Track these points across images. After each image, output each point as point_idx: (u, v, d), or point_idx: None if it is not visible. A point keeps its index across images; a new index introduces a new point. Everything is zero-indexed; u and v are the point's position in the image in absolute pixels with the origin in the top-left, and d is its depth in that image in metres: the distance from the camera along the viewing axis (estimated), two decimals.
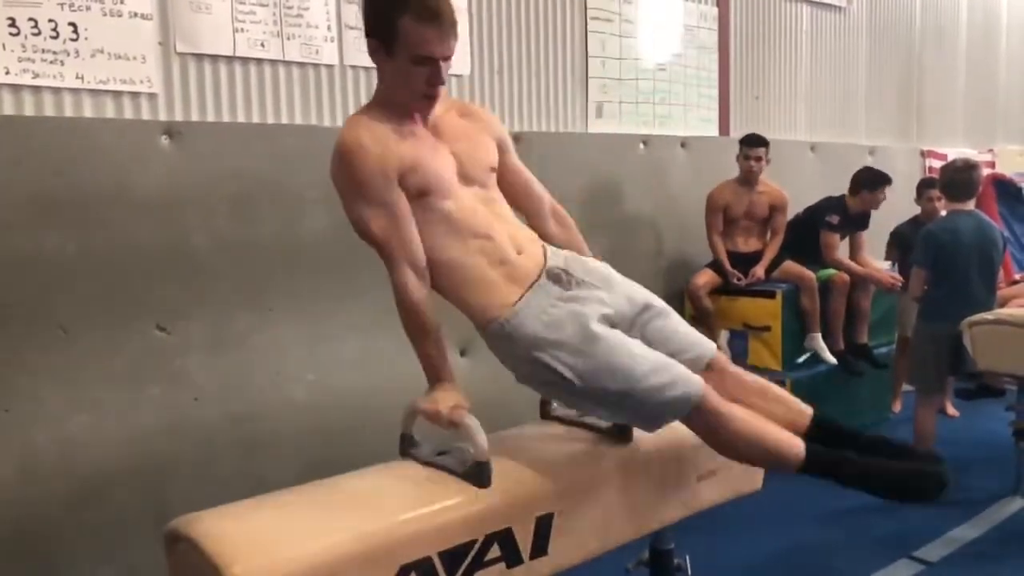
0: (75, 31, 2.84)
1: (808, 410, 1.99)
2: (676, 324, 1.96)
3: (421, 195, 1.82)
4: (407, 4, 1.72)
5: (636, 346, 1.81)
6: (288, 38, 3.35)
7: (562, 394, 1.87)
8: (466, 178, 1.89)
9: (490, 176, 1.95)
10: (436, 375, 1.82)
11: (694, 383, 1.79)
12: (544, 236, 2.03)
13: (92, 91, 2.91)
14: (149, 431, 2.99)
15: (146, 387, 3.00)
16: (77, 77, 2.86)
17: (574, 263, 1.92)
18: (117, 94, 2.97)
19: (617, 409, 1.83)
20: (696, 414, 1.79)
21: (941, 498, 1.90)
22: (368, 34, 1.81)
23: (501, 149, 2.01)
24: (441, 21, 1.75)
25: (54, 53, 2.81)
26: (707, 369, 1.92)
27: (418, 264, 1.80)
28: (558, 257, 1.93)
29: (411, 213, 1.81)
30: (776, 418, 1.92)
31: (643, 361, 1.77)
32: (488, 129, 2.00)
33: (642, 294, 1.95)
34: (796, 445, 1.85)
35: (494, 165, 1.97)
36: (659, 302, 1.96)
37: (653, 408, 1.78)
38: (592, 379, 1.76)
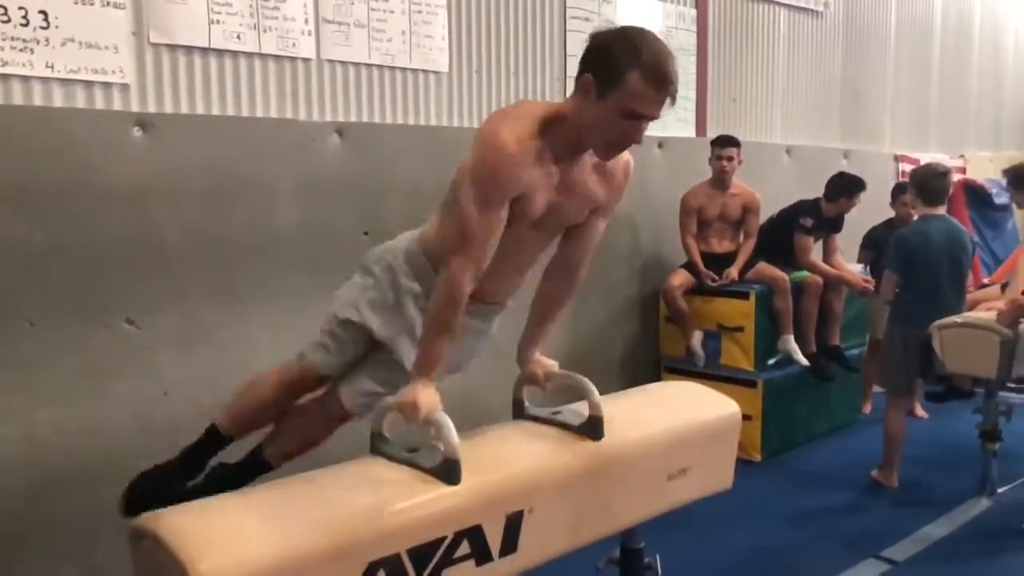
0: (46, 19, 2.80)
1: None
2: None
3: (508, 224, 1.85)
4: (641, 61, 1.71)
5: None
6: (265, 31, 3.32)
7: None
8: (539, 225, 1.94)
9: (552, 231, 2.03)
10: (427, 372, 1.84)
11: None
12: (546, 280, 2.13)
13: (63, 80, 2.87)
14: (117, 426, 2.95)
15: (114, 381, 2.96)
16: (47, 66, 2.82)
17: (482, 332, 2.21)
18: (88, 84, 2.92)
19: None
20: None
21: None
22: (587, 68, 1.78)
23: (597, 211, 2.03)
24: (668, 86, 1.75)
25: (24, 41, 2.76)
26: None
27: (479, 274, 1.85)
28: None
29: (500, 231, 1.84)
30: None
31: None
32: (609, 198, 2.01)
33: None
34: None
35: (570, 225, 2.03)
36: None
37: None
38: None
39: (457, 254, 1.82)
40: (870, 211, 5.17)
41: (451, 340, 1.86)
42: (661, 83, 1.73)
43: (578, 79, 1.79)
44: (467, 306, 1.89)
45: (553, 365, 2.12)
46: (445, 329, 1.85)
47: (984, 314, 3.87)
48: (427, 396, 1.80)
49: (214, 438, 2.34)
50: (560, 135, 1.82)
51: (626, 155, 1.97)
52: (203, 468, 2.33)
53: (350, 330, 2.17)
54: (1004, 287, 4.43)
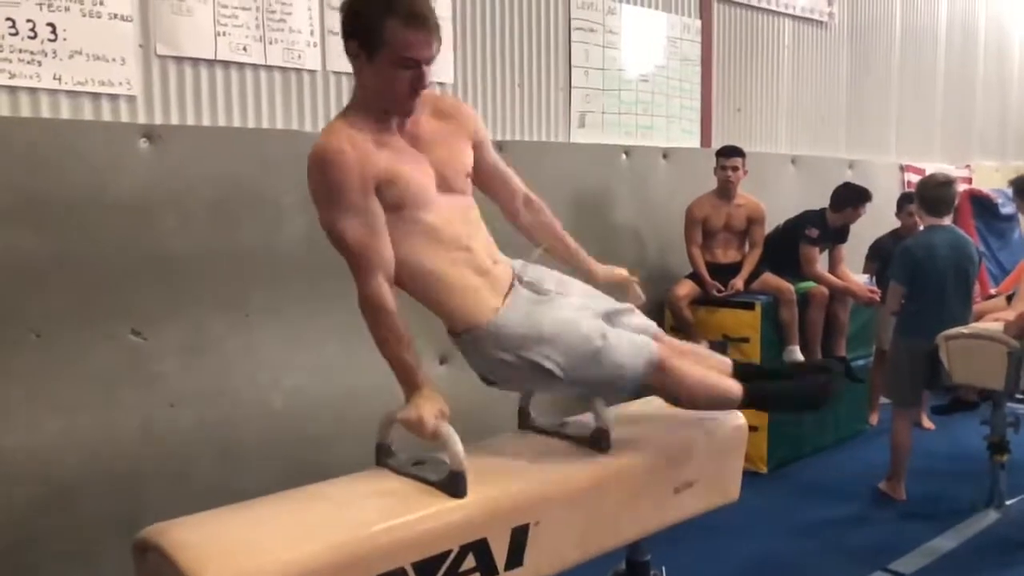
0: (53, 31, 2.81)
1: (728, 360, 2.24)
2: (628, 317, 2.09)
3: (398, 208, 1.82)
4: (392, 7, 1.72)
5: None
6: (271, 42, 3.34)
7: (544, 387, 1.98)
8: (444, 187, 1.90)
9: (467, 182, 1.98)
10: (414, 382, 1.80)
11: (651, 348, 1.97)
12: (516, 221, 2.19)
13: (70, 92, 2.88)
14: (123, 437, 2.95)
15: (120, 392, 2.96)
16: (55, 78, 2.83)
17: (532, 271, 2.00)
18: (95, 96, 2.94)
19: (594, 388, 1.98)
20: (657, 374, 1.96)
21: (828, 405, 2.20)
22: (348, 36, 1.79)
23: (477, 146, 2.02)
24: (427, 25, 1.75)
25: (31, 53, 2.78)
26: (654, 338, 2.08)
27: (390, 274, 1.81)
28: (517, 264, 2.03)
29: (385, 224, 1.80)
30: (711, 369, 2.17)
31: (616, 344, 1.92)
32: (464, 129, 1.99)
33: (596, 293, 2.09)
34: (735, 385, 2.11)
35: (470, 171, 1.99)
36: (612, 302, 2.09)
37: (625, 380, 1.95)
38: (577, 370, 1.88)
39: (356, 270, 1.78)
40: (875, 221, 5.17)
41: (407, 344, 1.78)
42: (420, 22, 1.74)
43: (346, 51, 1.81)
44: (518, 283, 1.92)
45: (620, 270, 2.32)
46: (395, 340, 1.77)
47: (991, 325, 3.85)
48: (430, 407, 1.75)
49: None
50: (370, 112, 1.82)
51: (449, 98, 2.01)
52: None
53: None
54: (1010, 298, 4.41)
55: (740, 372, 2.20)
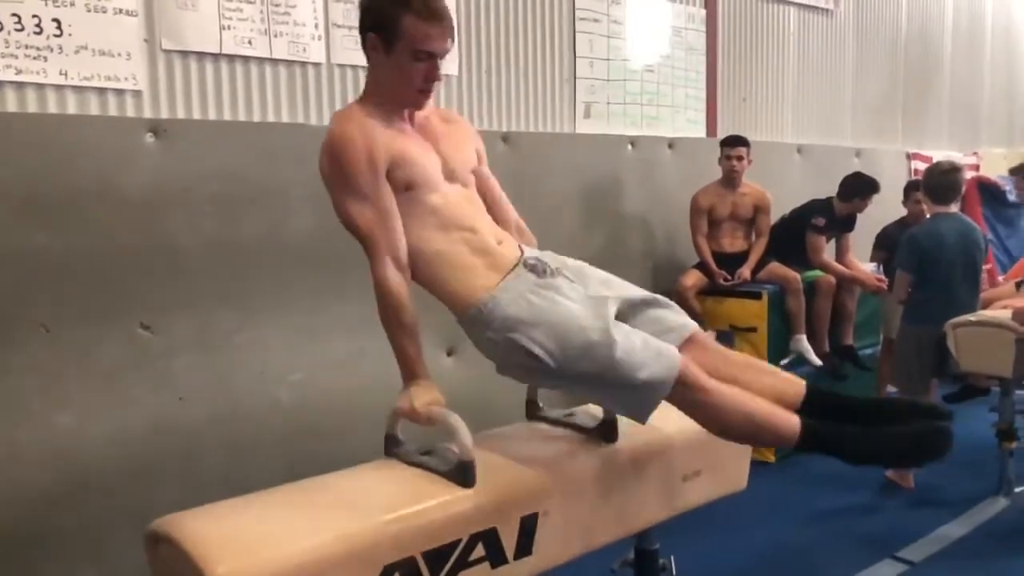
0: (59, 27, 2.82)
1: (801, 383, 1.93)
2: (658, 311, 1.93)
3: (408, 188, 1.85)
4: (410, 3, 1.80)
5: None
6: (275, 36, 3.34)
7: (539, 377, 1.87)
8: (451, 176, 1.94)
9: (471, 177, 2.01)
10: (411, 371, 1.82)
11: (672, 357, 1.76)
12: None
13: (76, 88, 2.89)
14: (132, 431, 2.97)
15: (130, 386, 2.97)
16: (61, 73, 2.84)
17: (549, 256, 1.96)
18: (101, 91, 2.94)
19: (598, 391, 1.83)
20: (679, 390, 1.76)
21: (948, 455, 1.80)
22: (367, 30, 1.86)
23: (478, 157, 2.08)
24: (442, 19, 1.83)
25: (37, 49, 2.78)
26: (688, 343, 1.88)
27: (400, 258, 1.82)
28: (533, 250, 1.98)
29: (397, 207, 1.83)
30: (767, 392, 1.86)
31: (622, 342, 1.75)
32: (468, 135, 2.07)
33: (620, 284, 1.95)
34: (790, 420, 1.80)
35: (474, 167, 2.04)
36: (638, 292, 1.94)
37: (635, 390, 1.75)
38: (570, 362, 1.76)
39: (368, 253, 1.81)
40: (882, 210, 5.15)
41: (410, 332, 1.80)
42: (436, 16, 1.82)
43: (364, 45, 1.88)
44: (521, 266, 1.86)
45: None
46: (397, 326, 1.79)
47: (999, 312, 3.85)
48: (421, 396, 1.77)
49: None
50: (382, 102, 1.88)
51: (452, 112, 2.06)
52: None
53: None
54: (1019, 285, 4.40)
55: (815, 400, 1.87)
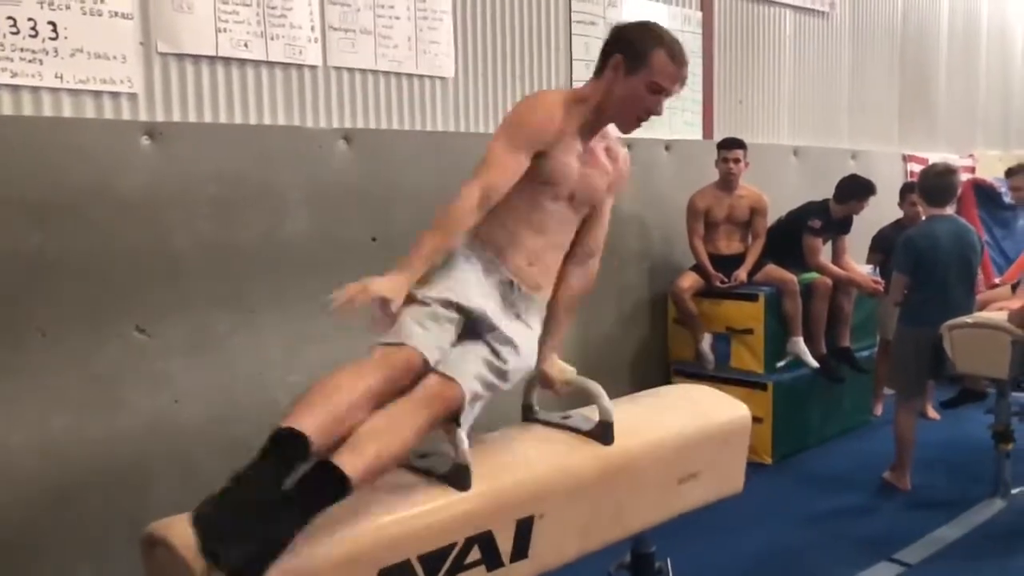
0: (54, 30, 2.82)
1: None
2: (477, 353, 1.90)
3: (533, 179, 2.00)
4: (663, 42, 2.02)
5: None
6: (271, 38, 3.34)
7: None
8: (570, 199, 2.07)
9: (582, 209, 2.13)
10: (404, 262, 1.85)
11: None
12: (559, 279, 2.15)
13: (71, 91, 2.88)
14: (129, 434, 2.96)
15: (126, 389, 2.97)
16: (56, 76, 2.84)
17: (521, 301, 2.02)
18: (97, 94, 2.94)
19: None
20: None
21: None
22: (616, 51, 2.03)
23: (609, 190, 2.18)
24: (684, 65, 2.05)
25: (33, 52, 2.78)
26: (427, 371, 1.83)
27: (491, 197, 1.93)
28: (525, 294, 2.03)
29: (518, 175, 1.96)
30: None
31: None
32: (617, 179, 2.18)
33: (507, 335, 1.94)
34: None
35: (593, 207, 2.16)
36: (504, 345, 1.93)
37: None
38: None
39: (472, 178, 1.93)
40: (879, 212, 5.15)
41: (439, 240, 1.88)
42: (681, 61, 2.04)
43: (607, 60, 2.04)
44: (505, 281, 1.99)
45: (571, 371, 2.13)
46: (437, 226, 1.88)
47: (995, 314, 3.85)
48: (383, 285, 1.77)
49: None
50: (582, 113, 2.04)
51: (623, 149, 2.21)
52: None
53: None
54: (1015, 287, 4.40)
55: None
